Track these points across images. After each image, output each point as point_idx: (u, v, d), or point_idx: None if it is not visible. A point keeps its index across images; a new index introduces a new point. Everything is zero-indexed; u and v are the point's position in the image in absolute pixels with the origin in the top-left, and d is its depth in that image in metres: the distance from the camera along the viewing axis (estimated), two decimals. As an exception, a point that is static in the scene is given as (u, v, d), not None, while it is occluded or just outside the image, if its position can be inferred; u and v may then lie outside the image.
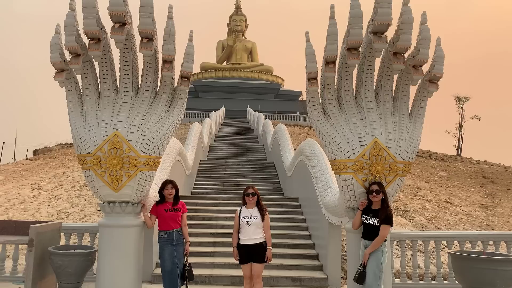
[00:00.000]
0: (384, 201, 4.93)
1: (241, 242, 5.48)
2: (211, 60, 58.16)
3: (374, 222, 4.91)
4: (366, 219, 5.01)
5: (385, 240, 4.93)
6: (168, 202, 5.54)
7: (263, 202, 5.76)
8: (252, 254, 5.45)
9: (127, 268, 5.14)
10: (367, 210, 5.06)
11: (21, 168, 20.03)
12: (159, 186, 5.63)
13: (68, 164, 19.45)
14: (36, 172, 18.47)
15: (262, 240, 5.48)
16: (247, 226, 5.44)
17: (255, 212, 5.53)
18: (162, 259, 5.45)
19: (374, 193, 4.91)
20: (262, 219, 5.49)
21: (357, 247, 5.10)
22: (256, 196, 5.58)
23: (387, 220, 4.85)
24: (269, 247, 5.48)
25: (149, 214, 5.53)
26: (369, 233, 4.95)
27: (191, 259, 5.72)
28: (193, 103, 37.46)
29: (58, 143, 30.17)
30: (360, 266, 4.92)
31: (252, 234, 5.43)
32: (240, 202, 5.81)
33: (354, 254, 5.18)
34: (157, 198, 5.62)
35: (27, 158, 25.35)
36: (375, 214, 4.93)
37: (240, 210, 5.62)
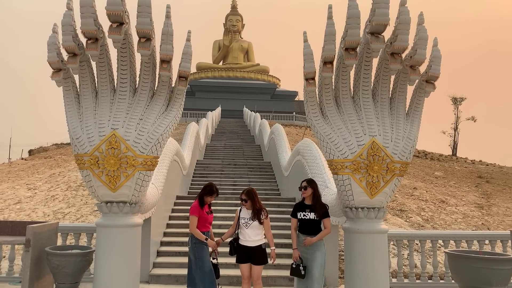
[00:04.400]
0: (315, 195, 5.32)
1: (240, 242, 5.50)
2: (207, 60, 58.17)
3: (313, 216, 5.26)
4: (304, 215, 5.32)
5: None
6: (206, 204, 5.81)
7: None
8: (250, 255, 5.45)
9: (124, 268, 5.12)
10: (302, 207, 5.39)
11: (17, 168, 19.94)
12: (203, 190, 5.82)
13: (64, 164, 19.38)
14: (31, 172, 18.39)
15: (262, 242, 5.48)
16: (246, 227, 5.45)
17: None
18: (201, 260, 5.57)
19: (302, 189, 5.33)
20: (260, 222, 5.47)
21: (354, 246, 5.11)
22: (249, 202, 5.49)
23: (326, 214, 5.32)
24: (273, 248, 5.51)
25: (195, 217, 5.65)
26: (309, 227, 5.28)
27: (186, 259, 5.82)
28: (189, 103, 37.42)
29: (54, 143, 30.08)
30: (297, 261, 5.22)
31: (250, 236, 5.44)
32: (238, 202, 5.83)
33: (352, 254, 5.19)
34: (155, 198, 5.64)
35: (22, 158, 25.25)
36: (311, 209, 5.29)
37: (240, 210, 5.61)
